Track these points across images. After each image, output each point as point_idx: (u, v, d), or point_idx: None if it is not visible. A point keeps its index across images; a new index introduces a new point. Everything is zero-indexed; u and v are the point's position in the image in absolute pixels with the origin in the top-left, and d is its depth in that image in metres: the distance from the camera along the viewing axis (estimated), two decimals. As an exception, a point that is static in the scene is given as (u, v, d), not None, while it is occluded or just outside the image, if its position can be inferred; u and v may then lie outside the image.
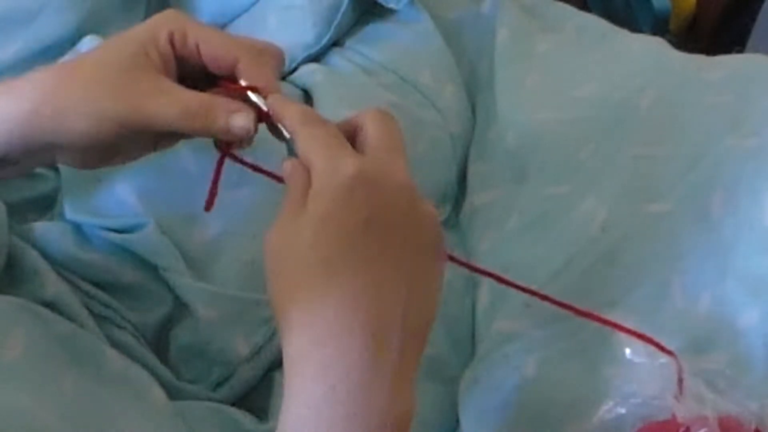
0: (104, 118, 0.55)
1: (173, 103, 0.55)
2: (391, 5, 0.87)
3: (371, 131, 0.54)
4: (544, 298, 0.62)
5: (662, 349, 0.59)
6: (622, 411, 0.59)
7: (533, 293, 0.61)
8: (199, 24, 0.58)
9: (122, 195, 0.69)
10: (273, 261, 0.52)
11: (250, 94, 0.57)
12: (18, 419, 0.52)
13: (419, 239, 0.52)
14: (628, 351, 0.59)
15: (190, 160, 0.69)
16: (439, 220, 0.54)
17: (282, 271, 0.51)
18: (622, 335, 0.60)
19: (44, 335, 0.58)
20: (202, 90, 0.58)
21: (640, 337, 0.60)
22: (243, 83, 0.57)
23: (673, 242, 0.69)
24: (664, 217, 0.70)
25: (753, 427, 0.56)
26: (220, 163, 0.59)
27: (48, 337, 0.59)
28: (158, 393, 0.62)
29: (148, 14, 0.89)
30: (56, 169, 0.72)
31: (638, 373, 0.59)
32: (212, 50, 0.57)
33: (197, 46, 0.57)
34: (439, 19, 0.90)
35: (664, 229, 0.70)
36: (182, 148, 0.66)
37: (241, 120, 0.56)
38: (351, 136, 0.55)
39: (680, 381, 0.58)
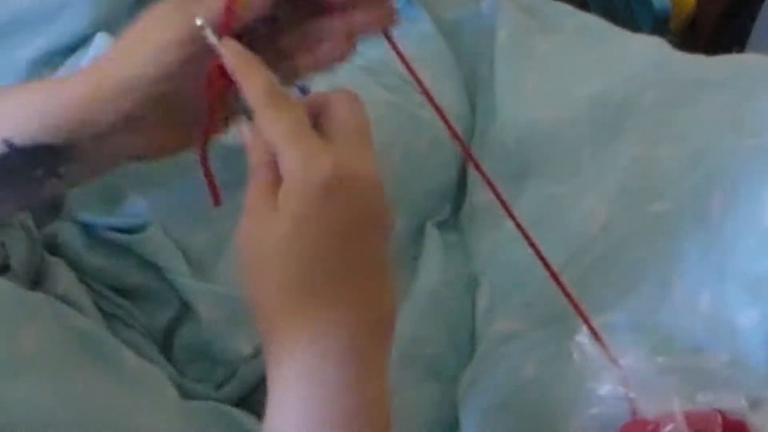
0: (166, 41, 0.52)
1: None
2: (391, 5, 0.87)
3: (341, 116, 0.51)
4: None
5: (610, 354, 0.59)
6: (596, 412, 0.59)
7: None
8: None
9: (127, 195, 0.69)
10: (249, 258, 0.50)
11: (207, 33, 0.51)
12: (32, 412, 0.52)
13: (389, 235, 0.52)
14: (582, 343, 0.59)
15: (194, 160, 0.69)
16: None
17: (260, 271, 0.50)
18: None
19: (61, 330, 0.58)
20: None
21: (596, 336, 0.59)
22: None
23: (673, 242, 0.69)
24: (664, 217, 0.70)
25: (720, 421, 0.56)
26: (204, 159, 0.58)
27: (65, 333, 0.59)
28: (171, 391, 0.63)
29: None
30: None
31: (601, 374, 0.58)
32: None
33: None
34: (438, 19, 0.90)
35: (664, 229, 0.70)
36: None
37: None
38: (314, 115, 0.52)
39: (641, 380, 0.57)
